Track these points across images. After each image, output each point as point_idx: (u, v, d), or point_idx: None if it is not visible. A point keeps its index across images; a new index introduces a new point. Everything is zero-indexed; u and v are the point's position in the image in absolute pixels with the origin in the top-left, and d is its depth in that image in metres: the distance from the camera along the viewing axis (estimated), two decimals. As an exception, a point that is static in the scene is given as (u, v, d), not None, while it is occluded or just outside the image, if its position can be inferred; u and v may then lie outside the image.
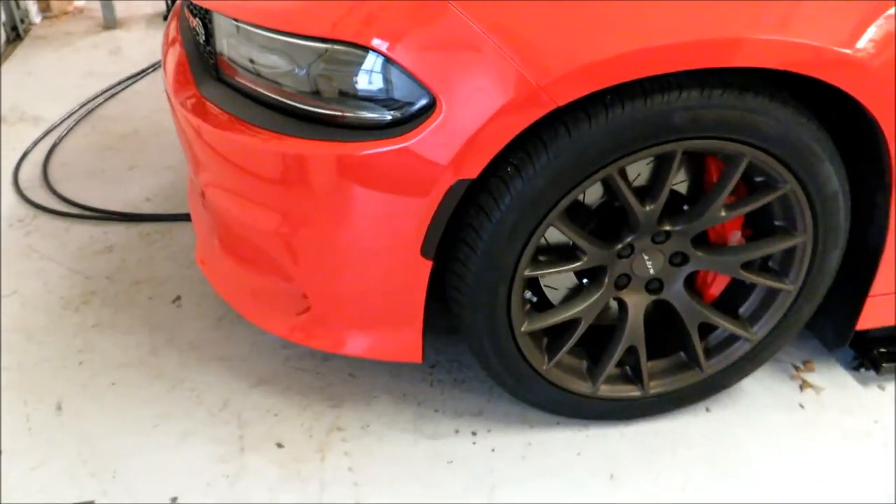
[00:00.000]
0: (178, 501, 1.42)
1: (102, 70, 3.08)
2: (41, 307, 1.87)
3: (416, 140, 1.21)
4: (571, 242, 1.38)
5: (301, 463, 1.50)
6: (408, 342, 1.46)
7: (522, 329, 1.42)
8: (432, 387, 1.69)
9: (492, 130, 1.19)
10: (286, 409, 1.62)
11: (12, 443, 1.51)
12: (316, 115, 1.29)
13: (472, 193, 1.30)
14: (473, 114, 1.18)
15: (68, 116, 2.70)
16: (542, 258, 1.44)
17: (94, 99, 2.82)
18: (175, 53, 1.64)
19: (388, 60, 1.19)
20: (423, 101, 1.21)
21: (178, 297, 1.90)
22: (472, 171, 1.23)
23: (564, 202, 1.28)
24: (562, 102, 1.18)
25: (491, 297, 1.36)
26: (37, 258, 2.03)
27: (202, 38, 1.50)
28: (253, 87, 1.36)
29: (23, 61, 3.22)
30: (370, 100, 1.25)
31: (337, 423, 1.59)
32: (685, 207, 1.48)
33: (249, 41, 1.33)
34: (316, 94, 1.27)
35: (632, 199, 1.33)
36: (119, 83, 2.93)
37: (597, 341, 1.57)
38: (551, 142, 1.23)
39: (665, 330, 1.60)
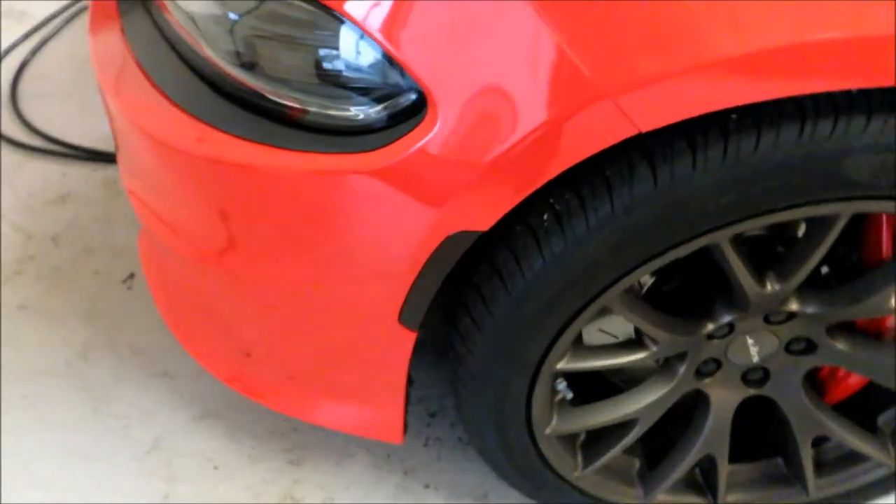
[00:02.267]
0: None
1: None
2: (-36, 274, 1.54)
3: (395, 161, 0.73)
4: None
5: (232, 552, 1.15)
6: (384, 421, 1.03)
7: (547, 432, 0.97)
8: (427, 447, 1.28)
9: (519, 159, 0.70)
10: (232, 460, 1.24)
11: None
12: (258, 102, 0.81)
13: (486, 240, 0.83)
14: (489, 130, 0.70)
15: (57, 14, 2.29)
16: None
17: (93, -8, 2.40)
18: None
19: (350, 24, 0.71)
20: (409, 98, 0.73)
21: (131, 276, 1.51)
22: (483, 219, 0.75)
23: (631, 279, 0.80)
24: (648, 127, 0.68)
25: (501, 395, 0.90)
26: (-23, 204, 1.68)
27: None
28: (180, 36, 0.89)
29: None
30: (332, 83, 0.76)
31: (292, 491, 1.21)
32: (823, 270, 0.97)
33: None
34: (252, 66, 0.80)
35: (745, 279, 0.82)
36: (126, -27, 2.49)
37: (659, 428, 1.12)
38: (621, 185, 0.72)
39: (755, 421, 1.14)
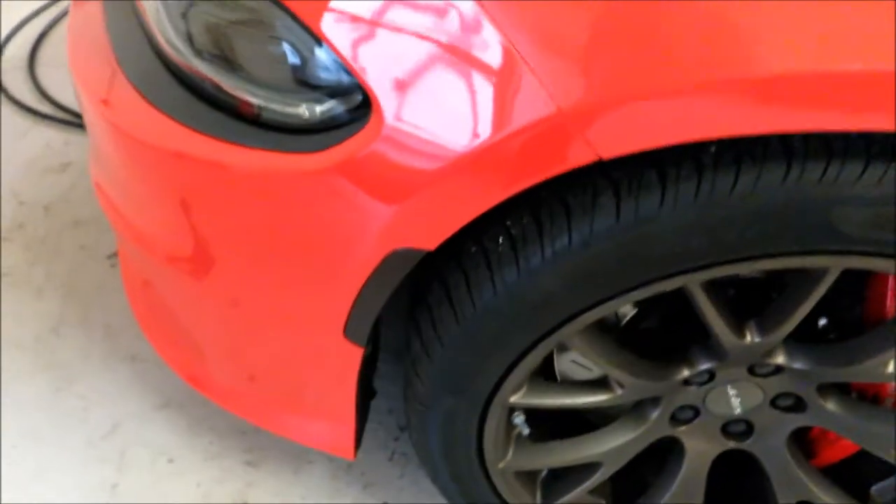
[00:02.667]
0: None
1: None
2: (-48, 237, 1.53)
3: (333, 164, 0.67)
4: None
5: (172, 553, 1.11)
6: (335, 435, 0.97)
7: (501, 466, 0.91)
8: (391, 461, 1.22)
9: (464, 177, 0.64)
10: (188, 454, 1.20)
11: None
12: (213, 94, 0.74)
13: (437, 258, 0.77)
14: (434, 141, 0.63)
15: (89, -20, 2.28)
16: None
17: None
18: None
19: (293, 17, 0.65)
20: (356, 99, 0.67)
21: (116, 254, 1.49)
22: (428, 237, 0.69)
23: (590, 316, 0.72)
24: (610, 155, 0.61)
25: (449, 425, 0.84)
26: (-25, 166, 1.67)
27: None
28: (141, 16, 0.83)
29: None
30: (279, 77, 0.71)
31: (245, 495, 1.16)
32: (821, 322, 0.88)
33: None
34: (203, 54, 0.75)
35: (720, 327, 0.74)
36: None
37: (630, 468, 1.05)
38: (582, 215, 0.65)
39: (734, 475, 1.05)
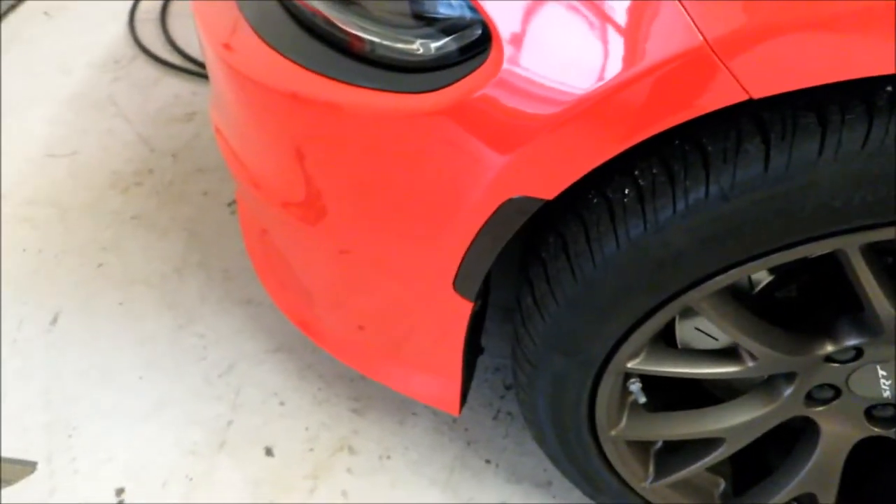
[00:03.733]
0: (123, 496, 1.13)
1: None
2: (89, 180, 1.60)
3: (447, 105, 0.63)
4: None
5: (281, 491, 1.12)
6: (440, 390, 0.96)
7: (613, 434, 0.86)
8: (496, 420, 1.20)
9: (591, 118, 0.58)
10: (297, 398, 1.23)
11: (-9, 354, 1.30)
12: (327, 31, 0.74)
13: (554, 211, 0.72)
14: (559, 79, 0.58)
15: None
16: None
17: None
18: None
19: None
20: (474, 34, 0.62)
21: (235, 202, 1.54)
22: (547, 185, 0.64)
23: (723, 280, 0.65)
24: (762, 93, 0.53)
25: (559, 388, 0.80)
26: (111, 114, 1.74)
27: None
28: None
29: None
30: (395, 11, 0.68)
31: (350, 441, 1.18)
32: None
33: None
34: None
35: (878, 298, 0.64)
36: None
37: (755, 447, 0.97)
38: (723, 164, 0.57)
39: (876, 462, 0.95)
